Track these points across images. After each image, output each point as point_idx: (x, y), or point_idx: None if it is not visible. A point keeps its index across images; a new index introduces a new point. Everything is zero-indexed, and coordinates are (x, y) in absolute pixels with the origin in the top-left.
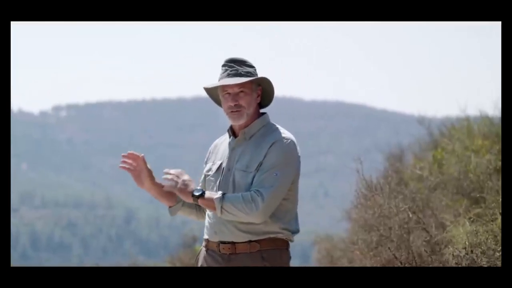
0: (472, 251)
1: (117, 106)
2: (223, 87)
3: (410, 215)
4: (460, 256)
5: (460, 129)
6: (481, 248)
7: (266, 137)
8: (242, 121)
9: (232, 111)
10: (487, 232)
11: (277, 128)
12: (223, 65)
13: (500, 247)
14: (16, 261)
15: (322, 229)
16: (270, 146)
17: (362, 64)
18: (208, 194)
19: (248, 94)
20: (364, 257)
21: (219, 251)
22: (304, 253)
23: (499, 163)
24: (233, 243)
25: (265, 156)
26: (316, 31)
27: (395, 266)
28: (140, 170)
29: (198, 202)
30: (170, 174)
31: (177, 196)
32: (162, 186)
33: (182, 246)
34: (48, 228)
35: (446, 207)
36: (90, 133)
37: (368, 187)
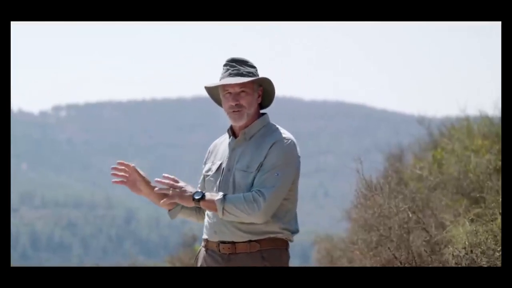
0: (472, 251)
1: (117, 106)
2: (224, 87)
3: (410, 215)
4: (460, 256)
5: (460, 129)
6: (481, 248)
7: (266, 137)
8: (242, 122)
9: (233, 111)
10: (487, 232)
11: (277, 128)
12: (225, 65)
13: (500, 247)
14: (16, 261)
15: (322, 229)
16: (271, 147)
17: (362, 64)
18: (208, 196)
19: (249, 94)
20: (364, 257)
21: (219, 251)
22: (304, 253)
23: (499, 163)
24: (233, 243)
25: (265, 157)
26: (316, 31)
27: (395, 266)
28: (134, 180)
29: (199, 205)
30: (163, 182)
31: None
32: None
33: (182, 246)
34: (48, 228)
35: (446, 207)
36: (90, 133)
37: (368, 187)
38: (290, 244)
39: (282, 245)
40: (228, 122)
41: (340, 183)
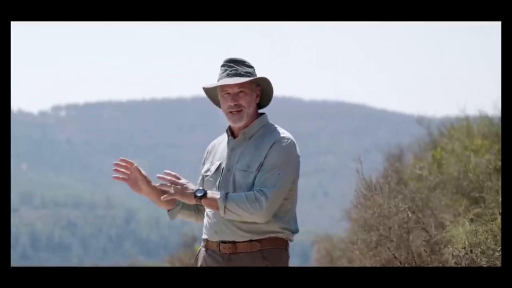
0: (471, 251)
1: (116, 106)
2: (223, 87)
3: (410, 215)
4: (460, 256)
5: (460, 129)
6: (480, 248)
7: (266, 137)
8: (242, 122)
9: (231, 111)
10: (486, 232)
11: (276, 128)
12: (223, 65)
13: (500, 247)
14: (15, 261)
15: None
16: (271, 146)
17: (362, 64)
18: (210, 194)
19: (248, 94)
20: (364, 257)
21: (219, 250)
22: (304, 253)
23: (499, 163)
24: (233, 242)
25: (266, 157)
26: (316, 31)
27: (395, 266)
28: (135, 178)
29: (201, 203)
30: (165, 179)
31: (175, 199)
32: (161, 191)
33: (182, 246)
34: (48, 228)
35: (446, 207)
36: (89, 133)
37: (367, 187)
38: (290, 244)
39: (282, 245)
40: (227, 122)
41: (340, 183)
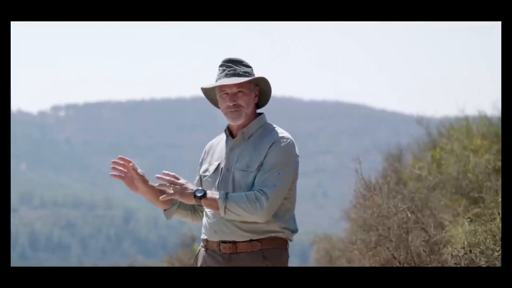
0: (470, 251)
1: (116, 106)
2: (221, 87)
3: (409, 215)
4: (459, 256)
5: (459, 129)
6: (479, 248)
7: (265, 137)
8: (240, 121)
9: (230, 111)
10: (485, 232)
11: (275, 128)
12: (221, 65)
13: (499, 247)
14: (15, 261)
15: (321, 229)
16: (270, 146)
17: (361, 64)
18: (210, 194)
19: (246, 94)
20: (363, 257)
21: (220, 250)
22: (303, 253)
23: (498, 163)
24: (234, 242)
25: (265, 156)
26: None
27: (394, 266)
28: (132, 177)
29: (200, 203)
30: (164, 179)
31: (172, 199)
32: (158, 190)
33: (180, 246)
34: (47, 228)
35: (445, 207)
36: (89, 133)
37: (367, 187)
38: (289, 244)
39: (282, 245)
40: (226, 122)
41: (339, 183)
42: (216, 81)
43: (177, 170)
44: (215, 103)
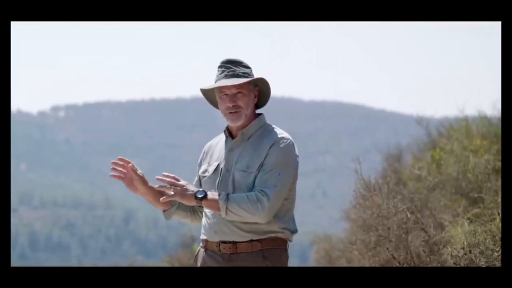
0: (470, 251)
1: (116, 106)
2: (221, 88)
3: (409, 215)
4: (459, 256)
5: (459, 129)
6: (479, 248)
7: (264, 138)
8: (240, 122)
9: (230, 112)
10: (485, 232)
11: (274, 128)
12: (220, 66)
13: (499, 247)
14: (14, 261)
15: (320, 229)
16: (270, 147)
17: (361, 64)
18: (211, 195)
19: (246, 95)
20: (363, 257)
21: (220, 251)
22: (303, 253)
23: (498, 163)
24: (234, 242)
25: (265, 157)
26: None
27: (394, 266)
28: (131, 178)
29: (201, 204)
30: (164, 180)
31: (171, 200)
32: (157, 191)
33: (180, 246)
34: (47, 228)
35: (445, 207)
36: (88, 134)
37: (366, 187)
38: (289, 244)
39: (282, 245)
40: (225, 122)
41: (339, 184)
42: (215, 82)
43: (177, 170)
44: (214, 104)
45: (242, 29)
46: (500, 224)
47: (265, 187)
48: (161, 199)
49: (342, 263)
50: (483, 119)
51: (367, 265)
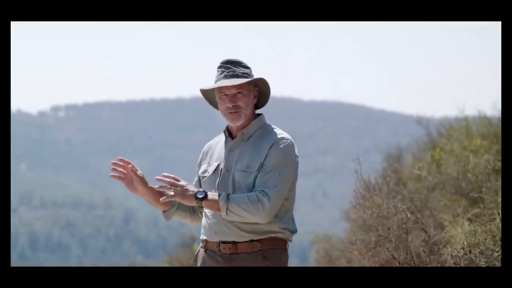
0: (470, 251)
1: (116, 106)
2: (220, 89)
3: (409, 215)
4: (459, 256)
5: (459, 129)
6: (479, 248)
7: (264, 138)
8: (240, 122)
9: (230, 112)
10: (485, 232)
11: (274, 129)
12: (219, 67)
13: (499, 247)
14: (14, 261)
15: (320, 229)
16: (270, 147)
17: (361, 64)
18: (211, 195)
19: (245, 95)
20: (363, 257)
21: (220, 251)
22: (303, 253)
23: (498, 163)
24: (234, 242)
25: (265, 157)
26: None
27: (394, 266)
28: (131, 178)
29: (202, 205)
30: (164, 181)
31: (171, 200)
32: (157, 191)
33: (180, 246)
34: (47, 228)
35: (445, 207)
36: (88, 134)
37: (366, 188)
38: (289, 244)
39: (282, 245)
40: (225, 122)
41: (339, 184)
42: (215, 82)
43: (177, 170)
44: (214, 104)
45: (242, 29)
46: (500, 224)
47: (266, 187)
48: (161, 199)
49: (342, 263)
50: (483, 119)
51: (367, 265)
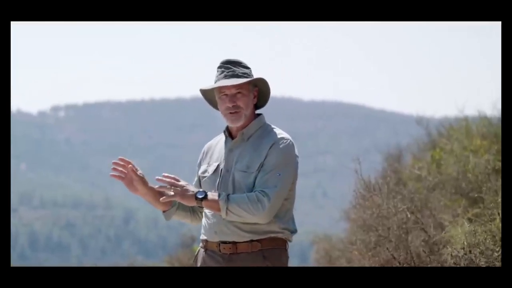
0: (470, 251)
1: (116, 106)
2: (220, 89)
3: (409, 215)
4: (459, 256)
5: (459, 129)
6: (479, 248)
7: (264, 138)
8: (240, 123)
9: (230, 112)
10: (485, 232)
11: (273, 129)
12: (219, 67)
13: (499, 247)
14: (14, 261)
15: (320, 229)
16: (270, 147)
17: (361, 64)
18: (211, 195)
19: (245, 95)
20: (363, 257)
21: (219, 251)
22: (303, 253)
23: (498, 163)
24: (234, 243)
25: (265, 157)
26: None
27: (394, 266)
28: (131, 178)
29: (202, 205)
30: (164, 181)
31: (171, 200)
32: (157, 191)
33: (180, 246)
34: (47, 228)
35: (445, 207)
36: (88, 134)
37: (366, 188)
38: (289, 244)
39: (282, 245)
40: (225, 122)
41: (339, 184)
42: (215, 82)
43: (177, 170)
44: (214, 104)
45: (242, 29)
46: (500, 224)
47: (266, 188)
48: (161, 199)
49: (342, 263)
50: (483, 119)
51: (367, 265)
